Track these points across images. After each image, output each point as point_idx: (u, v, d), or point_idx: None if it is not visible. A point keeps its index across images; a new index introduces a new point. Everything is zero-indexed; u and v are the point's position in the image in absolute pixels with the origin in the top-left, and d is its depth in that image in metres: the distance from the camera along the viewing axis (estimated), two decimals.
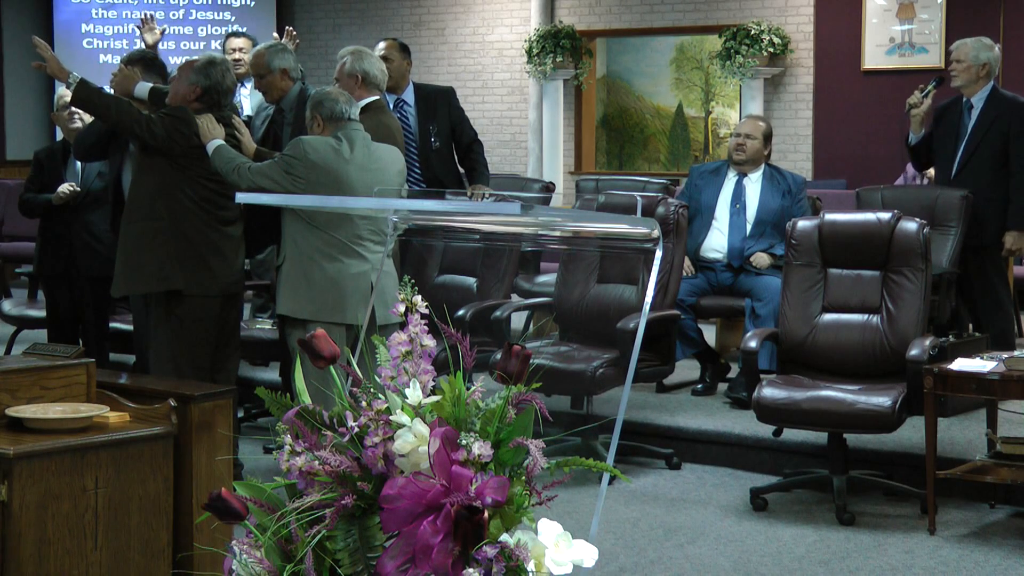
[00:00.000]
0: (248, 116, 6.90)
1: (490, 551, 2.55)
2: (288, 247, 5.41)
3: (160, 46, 7.36)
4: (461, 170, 7.20)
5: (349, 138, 5.35)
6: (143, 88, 5.80)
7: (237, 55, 8.13)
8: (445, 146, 7.10)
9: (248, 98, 7.91)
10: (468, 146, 7.13)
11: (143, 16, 7.51)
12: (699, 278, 7.06)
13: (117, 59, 13.43)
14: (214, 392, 4.05)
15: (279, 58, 6.27)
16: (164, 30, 7.64)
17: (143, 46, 7.18)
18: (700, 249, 7.08)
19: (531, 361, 2.76)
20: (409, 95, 7.08)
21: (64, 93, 6.64)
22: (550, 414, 2.77)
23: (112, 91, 5.90)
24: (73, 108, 6.69)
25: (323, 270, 5.31)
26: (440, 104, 7.12)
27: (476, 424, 2.71)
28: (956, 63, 6.91)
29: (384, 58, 6.99)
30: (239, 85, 7.97)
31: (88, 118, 6.49)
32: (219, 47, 8.59)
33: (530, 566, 2.58)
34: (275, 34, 9.28)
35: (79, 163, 6.87)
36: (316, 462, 2.67)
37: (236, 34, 8.46)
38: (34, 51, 5.74)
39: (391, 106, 6.99)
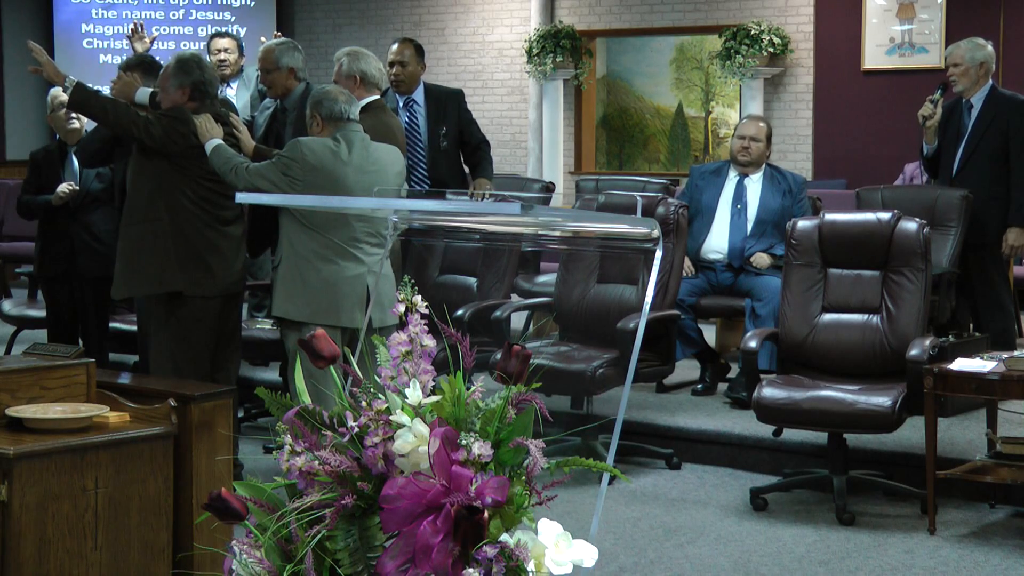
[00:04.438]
0: (252, 116, 6.90)
1: (490, 551, 2.55)
2: (284, 249, 5.41)
3: (161, 47, 7.37)
4: (466, 169, 7.22)
5: (347, 139, 5.35)
6: (144, 93, 5.81)
7: (222, 55, 8.14)
8: (453, 147, 7.12)
9: (234, 99, 7.91)
10: (476, 146, 7.17)
11: (132, 25, 7.51)
12: (699, 278, 7.06)
13: (117, 59, 13.48)
14: (214, 392, 4.05)
15: (288, 56, 6.28)
16: (154, 38, 7.64)
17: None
18: (700, 249, 7.08)
19: (531, 361, 2.76)
20: (419, 95, 7.09)
21: (57, 93, 6.64)
22: (550, 414, 2.77)
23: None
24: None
25: (319, 272, 5.31)
26: (450, 106, 7.13)
27: (476, 424, 2.71)
28: (953, 67, 6.90)
29: (399, 62, 6.99)
30: (225, 85, 7.99)
31: (86, 119, 6.49)
32: (204, 48, 8.58)
33: (530, 566, 2.58)
34: (276, 32, 9.29)
35: (77, 162, 6.86)
36: (316, 462, 2.67)
37: (220, 34, 8.46)
38: (31, 55, 5.74)
39: (401, 105, 7.00)
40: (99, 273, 6.61)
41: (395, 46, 7.10)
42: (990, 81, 6.90)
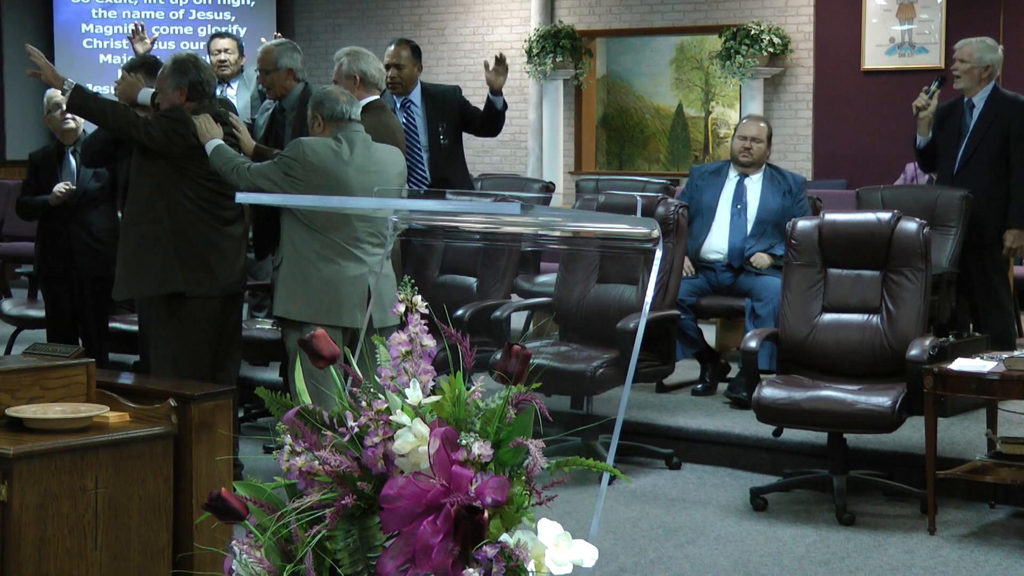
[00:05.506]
0: (252, 119, 6.89)
1: (490, 551, 2.54)
2: (286, 249, 5.41)
3: (161, 47, 7.36)
4: (472, 171, 7.25)
5: (349, 139, 5.35)
6: (146, 94, 5.81)
7: (223, 56, 8.14)
8: (454, 143, 7.10)
9: (235, 99, 7.91)
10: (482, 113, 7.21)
11: (133, 26, 7.51)
12: (699, 278, 7.06)
13: (117, 59, 13.49)
14: (214, 392, 4.05)
15: (287, 57, 6.27)
16: (155, 39, 7.63)
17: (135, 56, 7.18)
18: (700, 249, 7.08)
19: (531, 361, 2.76)
20: (416, 96, 7.08)
21: (53, 94, 6.64)
22: (550, 414, 2.77)
23: (117, 99, 5.93)
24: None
25: (320, 272, 5.31)
26: (447, 103, 7.12)
27: (476, 424, 2.71)
28: (960, 63, 6.88)
29: (395, 64, 6.98)
30: (226, 85, 7.99)
31: (83, 119, 6.49)
32: (204, 48, 8.59)
33: (530, 566, 2.58)
34: (276, 33, 9.28)
35: (74, 163, 6.87)
36: (316, 462, 2.67)
37: (220, 35, 8.45)
38: (29, 58, 5.74)
39: (398, 106, 6.99)
40: (98, 272, 6.61)
41: (391, 48, 7.08)
42: (993, 82, 6.89)
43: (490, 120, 7.18)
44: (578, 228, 3.70)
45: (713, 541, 5.27)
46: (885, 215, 5.92)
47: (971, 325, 6.98)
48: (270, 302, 6.13)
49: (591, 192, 8.01)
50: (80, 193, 6.78)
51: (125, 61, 13.24)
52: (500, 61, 7.06)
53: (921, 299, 5.74)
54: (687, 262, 6.89)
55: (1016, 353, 5.40)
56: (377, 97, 6.22)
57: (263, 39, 8.06)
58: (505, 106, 7.16)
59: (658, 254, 3.17)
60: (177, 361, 5.53)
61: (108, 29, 13.67)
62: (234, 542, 2.74)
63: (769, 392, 5.56)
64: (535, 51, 12.45)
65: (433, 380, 2.74)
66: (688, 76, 12.67)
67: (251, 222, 6.17)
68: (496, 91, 7.06)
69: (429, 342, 2.77)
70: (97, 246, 6.72)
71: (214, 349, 5.65)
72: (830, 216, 6.02)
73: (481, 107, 7.21)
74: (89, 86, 5.83)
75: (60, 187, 6.75)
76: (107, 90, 12.89)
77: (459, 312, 6.35)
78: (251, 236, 6.42)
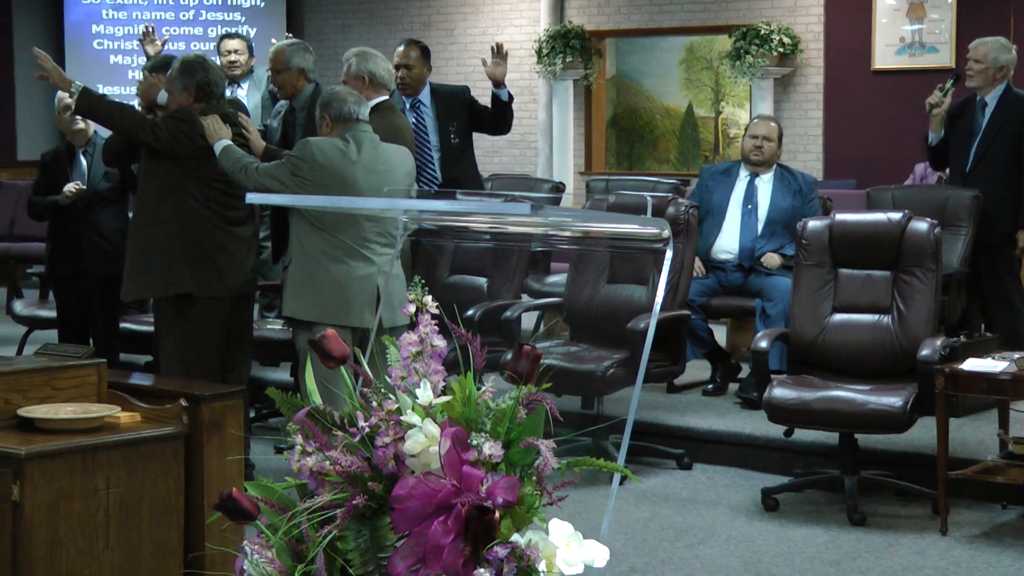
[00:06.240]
0: (265, 125, 6.90)
1: (501, 551, 2.54)
2: (295, 249, 5.42)
3: (171, 47, 7.34)
4: (482, 171, 7.23)
5: (357, 140, 5.35)
6: (165, 95, 5.82)
7: (232, 56, 8.15)
8: (464, 143, 7.10)
9: (245, 100, 7.92)
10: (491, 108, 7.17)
11: (144, 28, 7.52)
12: (709, 278, 7.05)
13: (128, 60, 13.51)
14: (225, 392, 4.06)
15: (299, 57, 6.28)
16: (165, 40, 7.64)
17: (146, 58, 7.20)
18: (711, 249, 7.07)
19: (541, 361, 2.76)
20: (426, 96, 7.08)
21: (64, 95, 6.66)
22: (560, 414, 2.77)
23: (138, 100, 5.95)
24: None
25: (329, 272, 5.32)
26: (456, 102, 7.12)
27: (487, 424, 2.71)
28: (974, 63, 6.86)
29: (405, 65, 6.98)
30: (236, 86, 7.99)
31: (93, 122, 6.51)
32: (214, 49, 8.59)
33: (541, 566, 2.58)
34: (288, 33, 9.29)
35: (84, 163, 6.89)
36: (327, 462, 2.67)
37: (230, 35, 8.45)
38: (36, 61, 5.75)
39: (407, 106, 6.99)
40: (106, 272, 6.63)
41: (401, 48, 7.08)
42: (1006, 81, 6.87)
43: (498, 115, 7.16)
44: (588, 228, 3.70)
45: (724, 541, 5.27)
46: (896, 215, 5.91)
47: (982, 325, 6.97)
48: (280, 302, 6.14)
49: (601, 192, 8.01)
50: (90, 193, 6.80)
51: (136, 62, 13.25)
52: (497, 51, 7.06)
53: (932, 299, 5.73)
54: (697, 262, 6.88)
55: None
56: (386, 98, 6.22)
57: (273, 40, 8.06)
58: (511, 98, 7.13)
59: (668, 254, 3.17)
60: (185, 361, 5.53)
61: (118, 30, 13.69)
62: (245, 542, 2.74)
63: (780, 392, 5.55)
64: (545, 51, 12.44)
65: (444, 380, 2.74)
66: (698, 76, 12.66)
67: (268, 223, 6.17)
68: (498, 83, 7.06)
69: (440, 342, 2.77)
70: (106, 246, 6.74)
71: (223, 350, 5.66)
72: (840, 216, 6.02)
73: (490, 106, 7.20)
74: (99, 87, 5.85)
75: (70, 187, 6.77)
76: (117, 91, 12.92)
77: (469, 312, 6.35)
78: (269, 237, 6.44)
